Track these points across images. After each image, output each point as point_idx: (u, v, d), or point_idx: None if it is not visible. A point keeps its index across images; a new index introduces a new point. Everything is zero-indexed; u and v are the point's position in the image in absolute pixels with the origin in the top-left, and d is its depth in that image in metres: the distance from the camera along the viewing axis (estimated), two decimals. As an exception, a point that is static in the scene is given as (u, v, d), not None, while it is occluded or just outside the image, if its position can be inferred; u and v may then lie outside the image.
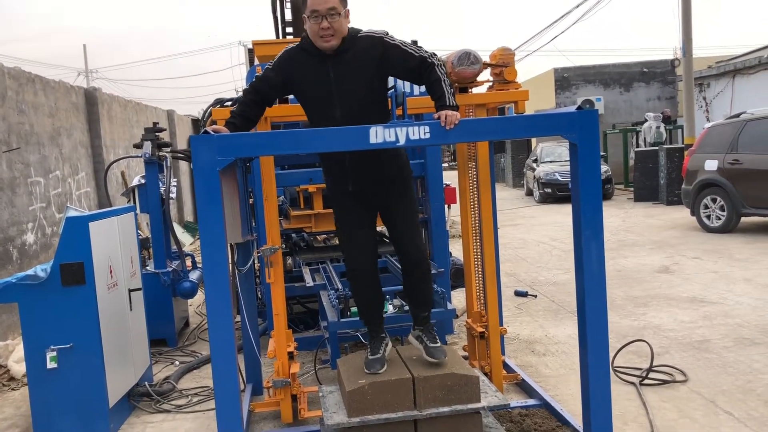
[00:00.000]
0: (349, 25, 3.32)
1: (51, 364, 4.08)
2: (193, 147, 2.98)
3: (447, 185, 5.94)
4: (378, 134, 3.05)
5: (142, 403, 4.72)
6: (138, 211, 6.26)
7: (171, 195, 6.28)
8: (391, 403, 3.41)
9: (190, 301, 7.08)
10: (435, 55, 3.39)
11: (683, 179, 11.64)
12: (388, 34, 3.40)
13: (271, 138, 3.09)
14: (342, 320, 4.29)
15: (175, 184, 6.55)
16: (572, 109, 3.27)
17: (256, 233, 4.99)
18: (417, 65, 3.29)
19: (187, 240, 13.21)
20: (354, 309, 4.51)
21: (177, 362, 5.71)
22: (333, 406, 3.57)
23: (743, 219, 10.63)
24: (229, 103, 5.51)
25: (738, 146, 10.30)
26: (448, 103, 3.19)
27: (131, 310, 4.72)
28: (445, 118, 3.04)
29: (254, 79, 3.52)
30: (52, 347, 4.08)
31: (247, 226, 4.63)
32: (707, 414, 3.97)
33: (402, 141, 3.06)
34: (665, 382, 4.49)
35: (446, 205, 5.94)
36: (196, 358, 5.72)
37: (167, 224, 6.32)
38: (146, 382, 4.88)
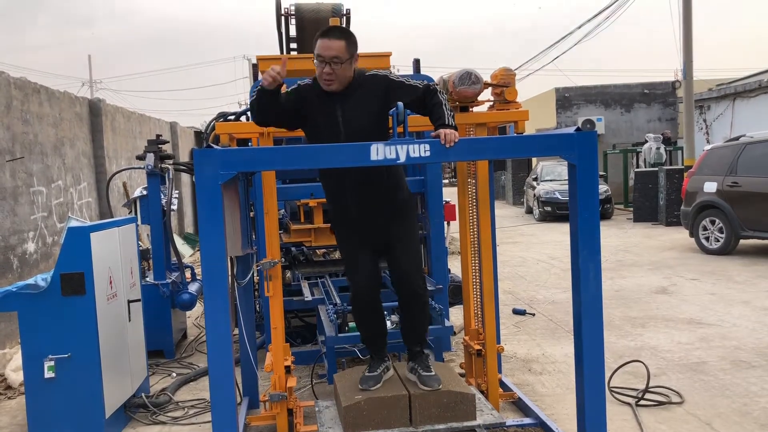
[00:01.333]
0: (357, 67, 3.46)
1: (49, 374, 4.09)
2: (196, 160, 3.01)
3: (447, 202, 5.97)
4: (379, 151, 3.08)
5: (139, 415, 4.72)
6: (139, 222, 6.29)
7: (172, 207, 6.31)
8: (387, 420, 3.43)
9: (188, 312, 7.09)
10: (435, 84, 3.54)
11: (683, 200, 11.69)
12: (391, 72, 3.58)
13: (272, 153, 3.13)
14: (340, 335, 4.30)
15: (177, 196, 6.58)
16: (571, 130, 3.32)
17: (256, 246, 5.01)
18: (421, 95, 3.41)
19: (186, 252, 13.22)
20: (352, 324, 4.52)
21: (174, 374, 5.71)
22: (329, 421, 3.59)
23: (742, 241, 10.66)
24: (232, 117, 5.56)
25: (737, 169, 10.35)
26: (446, 123, 3.26)
27: (130, 320, 4.73)
28: (444, 137, 3.09)
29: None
30: (50, 357, 4.09)
31: (247, 240, 4.66)
32: (702, 436, 3.98)
33: (402, 158, 3.10)
34: (661, 403, 4.49)
35: (446, 222, 5.96)
36: (193, 370, 5.73)
37: (168, 236, 6.35)
38: (143, 394, 4.88)
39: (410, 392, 3.46)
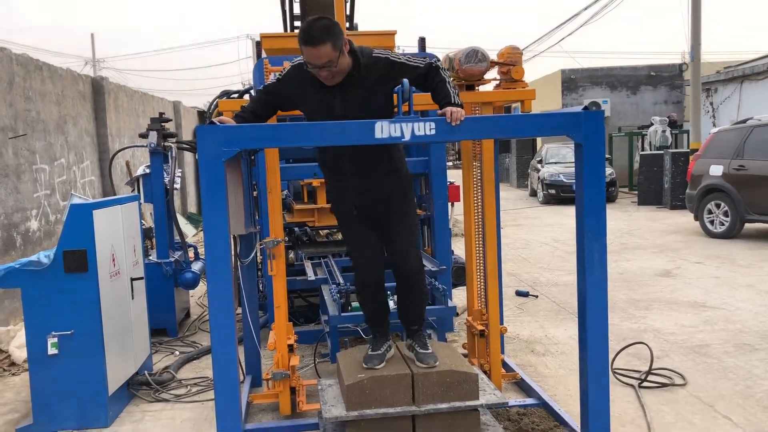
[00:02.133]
0: (350, 49, 3.30)
1: (52, 351, 4.09)
2: (199, 137, 2.99)
3: (451, 183, 5.94)
4: (383, 129, 3.05)
5: (141, 392, 4.73)
6: (142, 200, 6.27)
7: (175, 185, 6.29)
8: (389, 398, 3.42)
9: (191, 291, 7.09)
10: (438, 60, 3.40)
11: (688, 184, 11.63)
12: (392, 53, 3.42)
13: (276, 130, 3.09)
14: (343, 315, 4.29)
15: (180, 174, 6.55)
16: (578, 109, 3.27)
17: (259, 225, 4.99)
18: (423, 74, 3.31)
19: (189, 231, 13.23)
20: (354, 304, 4.52)
21: (177, 352, 5.72)
22: (331, 400, 3.58)
23: (747, 225, 10.61)
24: (236, 95, 5.52)
25: (744, 152, 10.28)
26: (452, 102, 3.20)
27: (133, 298, 4.73)
28: (450, 115, 3.05)
29: (265, 85, 3.55)
30: (53, 333, 4.10)
31: (250, 218, 4.64)
32: (705, 418, 3.97)
33: (407, 137, 3.07)
34: (664, 385, 4.48)
35: (449, 203, 5.94)
36: (196, 349, 5.74)
37: (171, 215, 6.33)
38: (146, 371, 4.89)
39: (413, 371, 3.45)
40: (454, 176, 6.35)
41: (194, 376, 5.07)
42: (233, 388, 3.12)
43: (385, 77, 3.31)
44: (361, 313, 4.36)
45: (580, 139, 3.17)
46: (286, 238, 5.57)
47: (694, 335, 5.59)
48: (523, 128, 3.23)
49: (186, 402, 4.59)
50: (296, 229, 6.73)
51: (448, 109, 3.08)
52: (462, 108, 3.16)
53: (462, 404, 3.44)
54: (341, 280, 4.66)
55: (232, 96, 5.79)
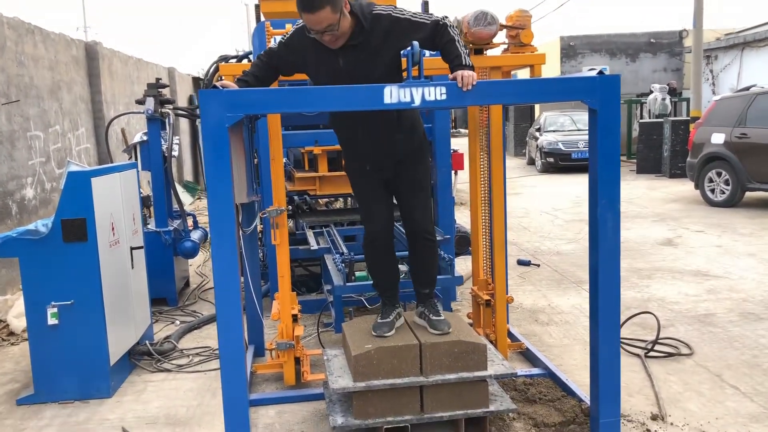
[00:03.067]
0: (354, 3, 3.19)
1: (52, 321, 4.03)
2: (202, 102, 2.88)
3: (455, 151, 5.85)
4: (393, 94, 2.96)
5: (143, 362, 4.69)
6: (139, 168, 6.16)
7: (173, 153, 6.17)
8: (397, 369, 3.38)
9: (190, 260, 7.02)
10: (446, 17, 3.27)
11: (688, 152, 11.54)
12: (395, 8, 3.26)
13: (282, 95, 2.99)
14: (348, 284, 4.22)
15: (177, 142, 6.43)
16: (593, 73, 3.17)
17: (260, 194, 4.90)
18: (430, 32, 3.19)
19: (186, 200, 13.11)
20: (359, 273, 4.45)
21: (178, 322, 5.67)
22: (338, 370, 3.54)
23: (747, 194, 10.56)
24: (233, 60, 5.38)
25: (746, 120, 10.17)
26: (464, 63, 3.10)
27: (133, 268, 4.65)
28: (462, 79, 2.95)
29: (268, 49, 3.45)
30: (53, 303, 4.03)
31: (251, 187, 4.55)
32: (713, 388, 3.94)
33: (417, 102, 2.97)
34: (671, 354, 4.46)
35: (453, 171, 5.85)
36: (196, 318, 5.69)
37: (169, 182, 6.23)
38: (147, 341, 4.84)
39: (421, 341, 3.40)
40: (455, 144, 6.25)
41: (196, 346, 5.02)
42: (239, 359, 3.06)
43: (390, 35, 3.20)
44: (366, 282, 4.32)
45: (595, 105, 3.08)
46: (290, 207, 5.48)
47: (699, 304, 5.56)
48: (537, 93, 3.13)
49: (188, 372, 4.55)
50: (296, 197, 6.64)
51: (459, 73, 2.99)
52: (473, 70, 3.07)
53: (470, 375, 3.40)
54: (345, 250, 4.58)
55: (230, 60, 5.66)
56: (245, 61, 5.25)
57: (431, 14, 3.34)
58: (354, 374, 3.38)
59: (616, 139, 3.14)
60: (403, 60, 3.15)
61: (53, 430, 3.75)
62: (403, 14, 3.23)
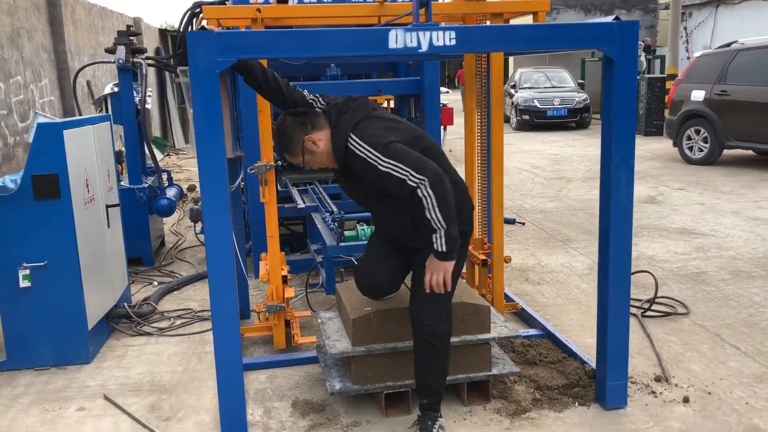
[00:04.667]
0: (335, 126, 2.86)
1: (24, 283, 3.77)
2: (190, 45, 2.62)
3: (444, 105, 5.63)
4: (398, 39, 2.74)
5: (122, 325, 4.46)
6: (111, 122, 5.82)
7: (146, 105, 5.84)
8: (396, 333, 3.23)
9: (165, 219, 6.75)
10: (423, 180, 2.61)
11: (664, 110, 11.48)
12: (378, 146, 2.69)
13: (280, 38, 2.73)
14: (341, 245, 4.03)
15: (150, 94, 6.09)
16: (610, 18, 2.98)
17: (244, 150, 4.65)
18: (407, 195, 2.66)
19: (156, 156, 12.68)
20: (347, 233, 4.26)
21: (155, 282, 5.44)
22: (334, 334, 3.37)
23: (725, 152, 10.56)
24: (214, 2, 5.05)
25: (727, 77, 10.10)
26: (438, 248, 2.67)
27: (109, 227, 4.39)
28: (431, 277, 2.76)
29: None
30: (24, 265, 3.76)
31: (236, 141, 4.30)
32: (714, 348, 3.88)
33: (425, 47, 2.75)
34: (667, 314, 4.39)
35: (442, 127, 5.64)
36: (175, 279, 5.45)
37: (143, 137, 5.91)
38: (125, 304, 4.61)
39: (422, 304, 3.24)
40: (444, 99, 6.04)
41: (177, 308, 4.81)
42: (233, 322, 2.88)
43: (365, 175, 2.77)
44: (359, 243, 4.14)
45: (612, 54, 2.89)
46: (279, 162, 5.22)
47: (689, 263, 5.51)
48: (550, 39, 2.92)
49: (171, 335, 4.34)
50: (275, 154, 6.37)
51: (429, 269, 2.75)
52: (451, 261, 2.71)
53: (474, 338, 3.27)
54: (334, 208, 4.38)
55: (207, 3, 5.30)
56: (229, 2, 4.92)
57: (405, 173, 2.62)
58: (352, 338, 3.22)
59: (633, 91, 2.97)
60: (410, 3, 2.92)
61: (29, 399, 3.53)
62: (378, 163, 2.67)
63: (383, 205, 2.95)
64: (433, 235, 2.64)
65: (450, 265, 2.70)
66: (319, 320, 3.57)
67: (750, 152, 10.98)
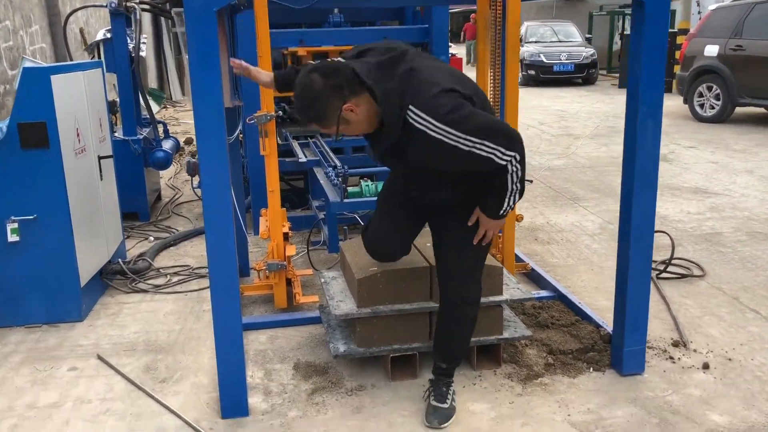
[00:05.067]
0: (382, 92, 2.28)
1: (12, 237, 3.59)
2: (184, -21, 2.38)
3: (453, 55, 5.38)
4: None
5: (117, 282, 4.30)
6: (104, 69, 5.56)
7: (141, 53, 5.57)
8: (404, 293, 3.06)
9: (161, 172, 6.54)
10: (515, 156, 2.34)
11: (676, 65, 11.16)
12: (445, 117, 2.21)
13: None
14: (345, 201, 3.83)
15: (145, 41, 5.81)
16: (642, -42, 2.74)
17: (242, 99, 4.42)
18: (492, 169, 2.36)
19: (153, 107, 12.38)
20: (351, 189, 4.06)
21: (151, 238, 5.26)
22: (338, 294, 3.21)
23: (736, 109, 10.29)
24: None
25: (743, 31, 9.77)
26: (500, 212, 2.53)
27: (102, 179, 4.19)
28: (484, 233, 2.60)
29: None
30: (12, 218, 3.58)
31: (234, 90, 4.07)
32: (732, 312, 3.72)
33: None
34: (683, 276, 4.23)
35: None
36: (172, 234, 5.28)
37: (137, 86, 5.66)
38: (120, 259, 4.44)
39: (431, 264, 3.07)
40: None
41: (173, 264, 4.64)
42: (232, 279, 2.70)
43: (423, 148, 2.31)
44: (362, 199, 3.94)
45: (644, -4, 2.66)
46: (280, 112, 5.00)
47: (703, 223, 5.33)
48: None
49: (167, 293, 4.19)
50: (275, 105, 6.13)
51: (484, 225, 2.58)
52: (504, 219, 2.59)
53: (486, 300, 3.09)
54: (338, 163, 4.17)
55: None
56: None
57: (493, 151, 2.28)
58: (358, 299, 3.05)
59: (664, 39, 2.75)
60: None
61: (20, 357, 3.39)
62: (457, 141, 2.23)
63: (428, 174, 2.56)
64: (505, 196, 2.45)
65: (503, 223, 2.55)
66: (323, 280, 3.40)
67: (762, 110, 10.72)
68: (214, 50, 2.48)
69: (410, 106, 2.23)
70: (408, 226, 2.88)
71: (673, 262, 4.38)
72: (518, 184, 2.42)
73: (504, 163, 2.31)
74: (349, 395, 2.95)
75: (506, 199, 2.46)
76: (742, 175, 6.87)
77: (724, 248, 4.73)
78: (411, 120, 2.24)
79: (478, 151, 2.25)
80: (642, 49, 2.72)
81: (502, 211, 2.51)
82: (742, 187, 6.37)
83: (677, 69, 11.36)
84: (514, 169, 2.36)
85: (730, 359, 3.20)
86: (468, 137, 2.23)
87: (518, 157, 2.33)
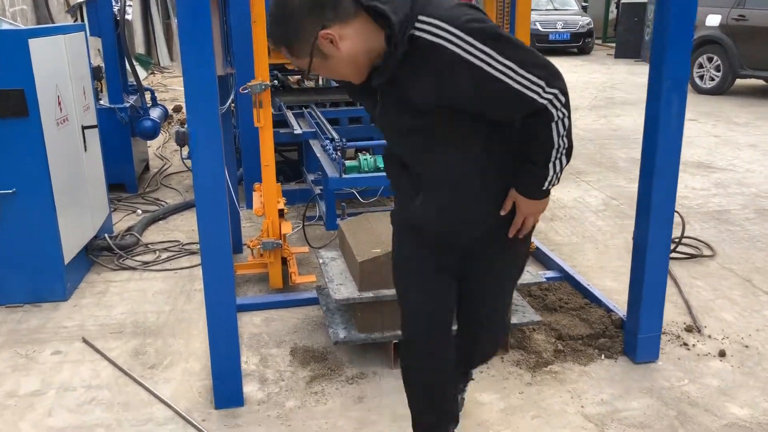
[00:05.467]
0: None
1: (-10, 213, 3.39)
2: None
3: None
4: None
5: (103, 258, 4.10)
6: (87, 33, 5.29)
7: (126, 16, 5.29)
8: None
9: (149, 142, 6.30)
10: (559, 93, 1.67)
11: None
12: (468, 25, 1.55)
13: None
14: (344, 177, 3.63)
15: (131, 3, 5.53)
16: None
17: (235, 67, 4.19)
18: (529, 113, 1.70)
19: (140, 74, 12.05)
20: (349, 164, 3.85)
21: (139, 211, 5.05)
22: (338, 276, 3.03)
23: (736, 81, 10.11)
24: None
25: (746, 0, 9.54)
26: (542, 188, 1.83)
27: (86, 150, 3.97)
28: (523, 224, 1.90)
29: None
30: (-10, 192, 3.37)
31: (226, 57, 3.84)
32: (745, 294, 3.59)
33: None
34: (693, 256, 4.08)
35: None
36: (161, 207, 5.07)
37: (123, 51, 5.39)
38: (106, 234, 4.23)
39: (437, 245, 2.89)
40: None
41: (162, 240, 4.45)
42: (225, 257, 2.51)
43: (444, 82, 1.62)
44: (361, 175, 3.74)
45: (673, -41, 2.45)
46: (276, 81, 4.77)
47: (709, 199, 5.18)
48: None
49: (156, 270, 4.00)
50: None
51: (523, 212, 1.86)
52: (547, 199, 1.89)
53: (494, 283, 2.93)
54: (335, 135, 3.96)
55: None
56: None
57: (532, 83, 1.63)
58: (359, 283, 2.88)
59: (693, 9, 2.55)
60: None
61: (0, 339, 3.21)
62: (482, 54, 1.57)
63: (443, 146, 1.79)
64: (550, 158, 1.76)
65: (545, 205, 1.90)
66: (321, 260, 3.22)
67: (761, 82, 10.54)
68: (205, 13, 2.26)
69: (419, 16, 1.59)
70: (442, 287, 2.06)
71: (682, 241, 4.24)
72: (565, 139, 1.74)
73: (545, 101, 1.66)
74: (349, 383, 2.80)
75: (551, 164, 1.77)
76: (746, 149, 6.72)
77: (732, 226, 4.59)
78: (421, 33, 1.58)
79: (510, 81, 1.60)
80: (670, 19, 2.52)
81: (547, 183, 1.81)
82: (746, 162, 6.22)
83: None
84: (561, 115, 1.69)
85: (746, 346, 3.07)
86: (499, 57, 1.57)
87: (562, 99, 1.68)
